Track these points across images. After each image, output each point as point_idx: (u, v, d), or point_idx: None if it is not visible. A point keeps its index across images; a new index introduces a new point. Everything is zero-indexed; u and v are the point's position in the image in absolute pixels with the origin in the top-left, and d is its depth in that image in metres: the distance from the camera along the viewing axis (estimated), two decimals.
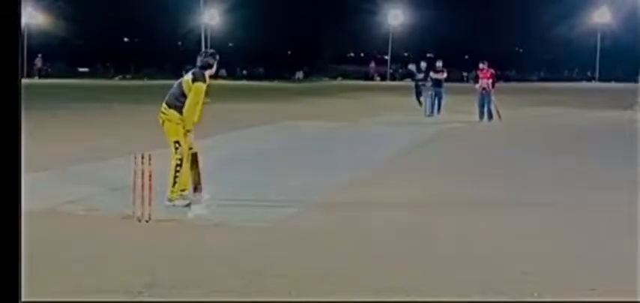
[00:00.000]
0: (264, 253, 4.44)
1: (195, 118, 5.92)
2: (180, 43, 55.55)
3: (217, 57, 6.22)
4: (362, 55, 66.98)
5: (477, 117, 15.82)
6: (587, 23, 50.88)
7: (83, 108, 18.92)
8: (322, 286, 3.79)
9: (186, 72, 6.27)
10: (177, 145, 5.87)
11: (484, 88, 15.69)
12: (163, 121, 5.96)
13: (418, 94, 19.54)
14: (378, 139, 12.28)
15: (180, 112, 5.88)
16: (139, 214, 5.23)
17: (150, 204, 5.23)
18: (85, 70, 46.86)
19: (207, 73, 6.12)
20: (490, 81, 15.76)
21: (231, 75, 55.10)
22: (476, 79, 16.38)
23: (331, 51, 61.10)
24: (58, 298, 3.56)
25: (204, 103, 6.12)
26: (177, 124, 5.88)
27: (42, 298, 3.51)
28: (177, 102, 5.95)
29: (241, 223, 5.32)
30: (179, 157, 5.87)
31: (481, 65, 16.08)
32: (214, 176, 7.75)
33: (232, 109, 19.80)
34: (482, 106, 15.83)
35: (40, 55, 41.04)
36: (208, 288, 3.72)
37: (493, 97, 15.83)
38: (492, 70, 15.96)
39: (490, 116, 15.71)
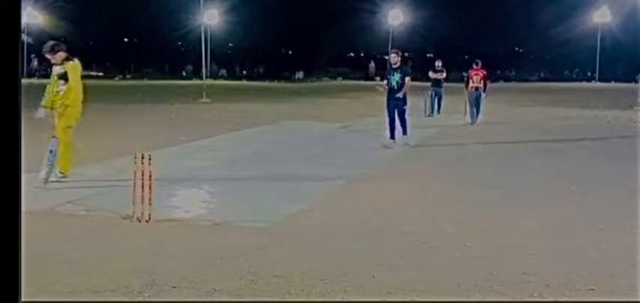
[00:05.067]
0: (264, 253, 4.44)
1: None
2: (180, 43, 55.62)
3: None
4: (362, 55, 67.05)
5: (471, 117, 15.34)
6: (587, 23, 50.91)
7: (84, 109, 18.90)
8: (322, 286, 3.79)
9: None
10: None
11: (477, 87, 15.34)
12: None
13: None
14: (379, 139, 12.27)
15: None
16: (139, 214, 5.23)
17: (150, 204, 5.22)
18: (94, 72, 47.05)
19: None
20: (482, 80, 15.35)
21: (232, 75, 55.11)
22: (467, 81, 15.71)
23: (331, 51, 61.12)
24: (58, 298, 3.56)
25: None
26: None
27: (42, 298, 3.51)
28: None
29: (241, 223, 5.32)
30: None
31: (475, 66, 15.59)
32: (214, 176, 7.75)
33: (232, 109, 19.81)
34: (473, 107, 15.34)
35: (34, 55, 41.16)
36: (208, 288, 3.72)
37: (483, 99, 15.52)
38: (485, 71, 15.60)
39: (476, 116, 15.24)
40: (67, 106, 6.80)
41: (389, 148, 10.59)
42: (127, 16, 52.24)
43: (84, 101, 7.02)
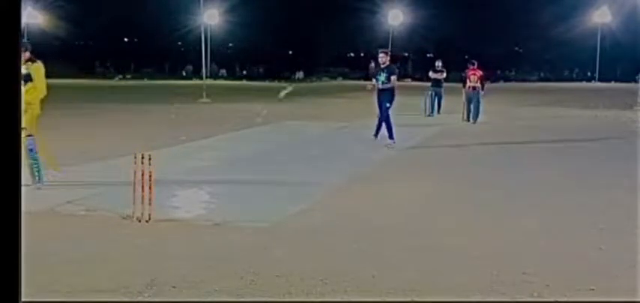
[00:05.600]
0: (264, 253, 4.44)
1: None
2: (180, 43, 55.61)
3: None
4: (362, 55, 66.99)
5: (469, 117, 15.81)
6: (587, 23, 50.84)
7: (84, 109, 18.92)
8: (322, 286, 3.79)
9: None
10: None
11: (474, 87, 15.71)
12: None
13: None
14: (379, 139, 12.25)
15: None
16: (139, 214, 5.23)
17: (150, 204, 5.22)
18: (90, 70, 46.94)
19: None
20: (480, 80, 15.81)
21: (232, 75, 55.05)
22: (464, 81, 16.17)
23: (331, 51, 61.05)
24: (58, 298, 3.56)
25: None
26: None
27: (42, 298, 3.51)
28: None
29: (241, 223, 5.32)
30: None
31: (471, 66, 16.09)
32: (214, 176, 7.75)
33: (232, 109, 19.81)
34: (470, 104, 15.78)
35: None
36: (208, 288, 3.72)
37: (482, 97, 15.93)
38: (481, 71, 16.02)
39: (476, 116, 15.62)
40: (28, 103, 6.79)
41: (388, 148, 10.59)
42: (127, 16, 52.21)
43: (43, 101, 7.03)
